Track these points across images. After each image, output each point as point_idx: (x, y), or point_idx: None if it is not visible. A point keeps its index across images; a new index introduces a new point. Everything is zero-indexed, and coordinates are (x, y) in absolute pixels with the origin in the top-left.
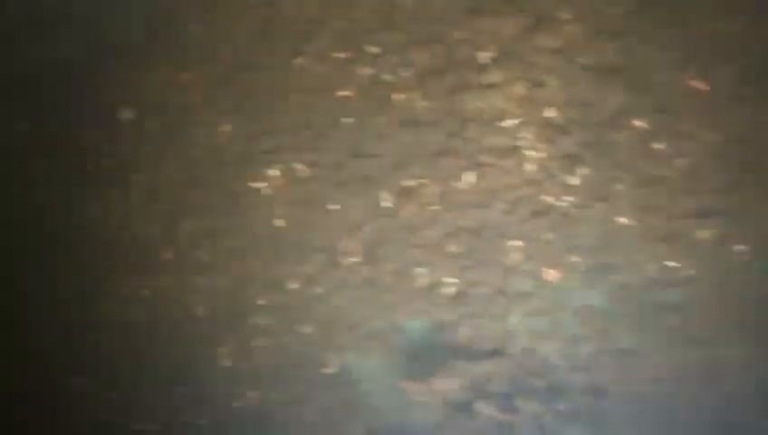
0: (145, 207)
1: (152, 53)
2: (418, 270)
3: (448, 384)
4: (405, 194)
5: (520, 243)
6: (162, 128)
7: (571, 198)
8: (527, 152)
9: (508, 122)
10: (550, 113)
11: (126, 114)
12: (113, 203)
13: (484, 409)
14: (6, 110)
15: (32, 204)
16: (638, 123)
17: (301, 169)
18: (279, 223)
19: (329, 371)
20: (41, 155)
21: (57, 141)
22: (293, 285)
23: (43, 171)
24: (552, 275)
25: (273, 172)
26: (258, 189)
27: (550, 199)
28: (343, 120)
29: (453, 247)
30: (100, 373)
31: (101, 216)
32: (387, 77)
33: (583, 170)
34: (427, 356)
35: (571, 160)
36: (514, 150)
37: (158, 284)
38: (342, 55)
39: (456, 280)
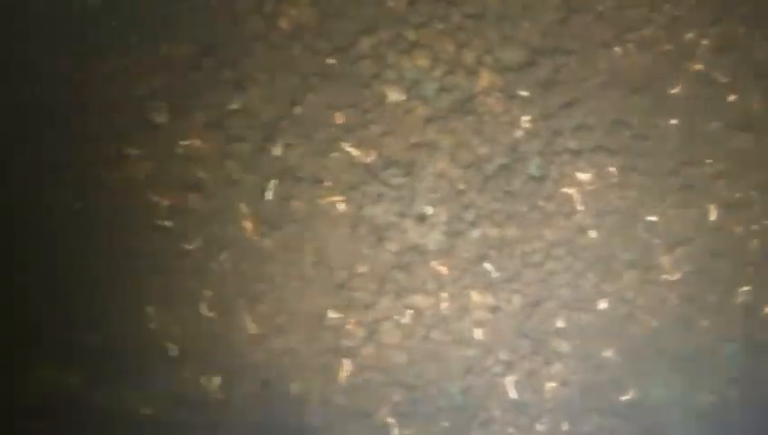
0: (408, 210)
1: (425, 26)
2: (743, 289)
3: None
4: (734, 207)
5: None
6: (436, 116)
7: None
8: None
9: None
10: None
11: (394, 96)
12: (369, 204)
13: None
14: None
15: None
16: None
17: (616, 173)
18: (591, 233)
19: (627, 398)
20: (296, 136)
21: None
22: (601, 305)
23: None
24: None
25: (584, 176)
26: (566, 194)
27: None
28: (669, 120)
29: None
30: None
31: (356, 215)
32: (719, 76)
33: None
34: (743, 382)
35: None
36: None
37: (425, 302)
38: (671, 47)
39: None
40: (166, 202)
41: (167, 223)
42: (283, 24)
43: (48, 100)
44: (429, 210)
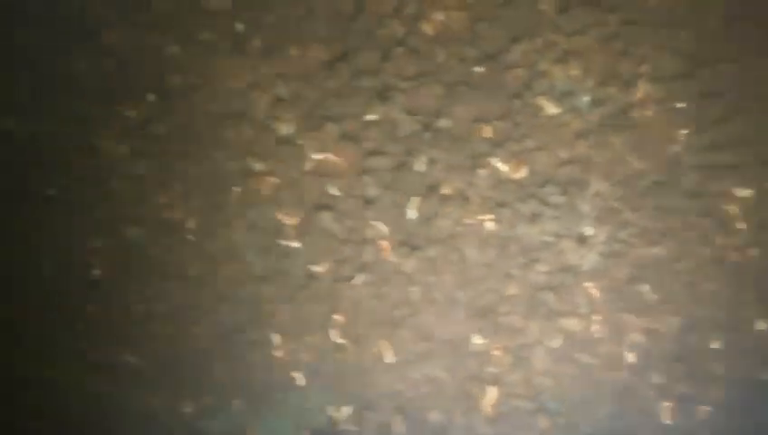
0: (566, 230)
1: (579, 33)
2: None
3: None
4: None
5: None
6: (589, 130)
7: None
8: None
9: None
10: None
11: (547, 108)
12: (522, 223)
13: None
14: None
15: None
16: None
17: None
18: (750, 251)
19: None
20: (441, 150)
21: (455, 135)
22: (759, 325)
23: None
24: None
25: (743, 192)
26: (724, 211)
27: None
28: None
29: None
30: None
31: (506, 235)
32: None
33: None
34: None
35: None
36: None
37: (576, 326)
38: None
39: None
40: (293, 221)
41: (294, 244)
42: (427, 28)
43: (164, 108)
44: (590, 230)
